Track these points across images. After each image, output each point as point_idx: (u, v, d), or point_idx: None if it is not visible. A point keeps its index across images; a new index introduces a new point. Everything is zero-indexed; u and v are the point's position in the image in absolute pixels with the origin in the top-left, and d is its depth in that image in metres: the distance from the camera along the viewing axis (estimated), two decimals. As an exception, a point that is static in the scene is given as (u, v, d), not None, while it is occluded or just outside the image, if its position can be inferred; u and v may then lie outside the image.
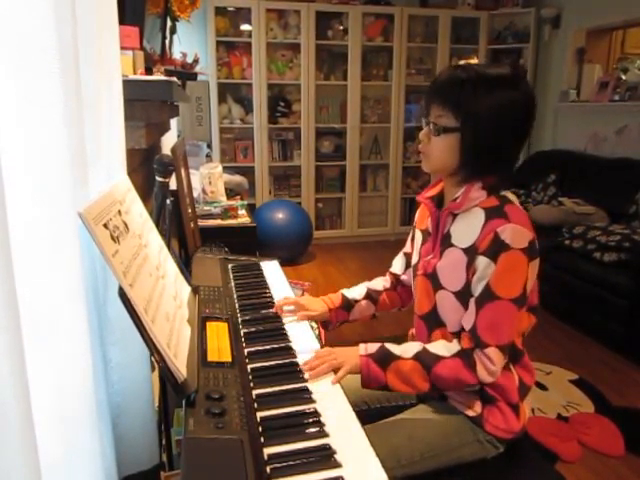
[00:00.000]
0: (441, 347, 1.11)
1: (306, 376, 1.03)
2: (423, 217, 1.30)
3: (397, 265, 1.45)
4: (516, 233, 1.05)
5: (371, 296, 1.41)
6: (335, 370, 1.07)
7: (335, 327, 1.43)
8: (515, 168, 1.19)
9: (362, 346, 1.13)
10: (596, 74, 4.33)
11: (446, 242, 1.16)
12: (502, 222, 1.06)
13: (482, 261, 1.07)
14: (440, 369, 1.08)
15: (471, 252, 1.09)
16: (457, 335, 1.15)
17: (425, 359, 1.09)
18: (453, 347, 1.10)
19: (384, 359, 1.10)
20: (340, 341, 1.10)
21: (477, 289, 1.09)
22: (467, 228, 1.12)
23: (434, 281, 1.18)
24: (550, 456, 1.98)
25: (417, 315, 1.26)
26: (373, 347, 1.12)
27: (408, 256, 1.39)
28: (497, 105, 1.06)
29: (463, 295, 1.12)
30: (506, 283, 1.06)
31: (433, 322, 1.20)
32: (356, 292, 1.42)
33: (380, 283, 1.45)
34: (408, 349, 1.12)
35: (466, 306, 1.12)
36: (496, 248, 1.05)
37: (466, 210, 1.13)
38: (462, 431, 1.16)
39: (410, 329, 1.36)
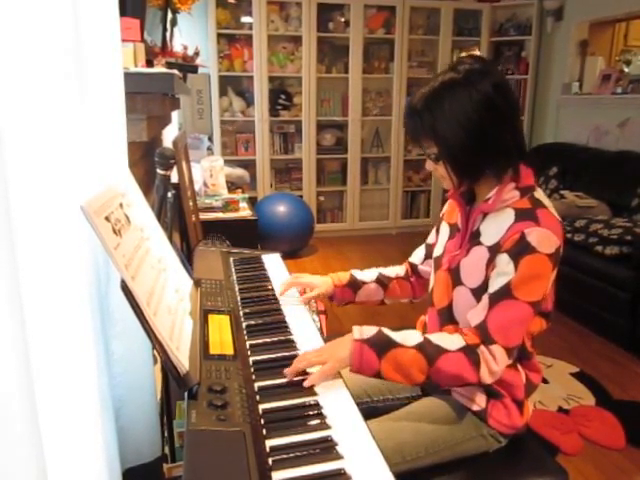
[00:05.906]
0: (444, 339, 1.05)
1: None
2: (452, 211, 1.28)
3: (417, 255, 1.44)
4: (544, 237, 1.02)
5: (381, 281, 1.41)
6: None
7: (340, 304, 1.42)
8: (526, 155, 1.16)
9: (356, 330, 1.05)
10: (599, 67, 4.31)
11: (474, 240, 1.14)
12: (531, 224, 1.03)
13: (503, 258, 1.05)
14: (442, 363, 1.02)
15: (494, 250, 1.08)
16: None
17: (428, 350, 1.02)
18: (457, 340, 1.05)
19: (382, 345, 1.02)
20: (342, 334, 1.08)
21: (494, 285, 1.06)
22: (496, 227, 1.10)
23: (455, 277, 1.16)
24: (551, 449, 2.00)
25: (435, 308, 1.24)
26: (370, 331, 1.04)
27: (430, 247, 1.38)
28: (451, 115, 1.04)
29: (479, 292, 1.10)
30: (528, 287, 1.03)
31: (446, 318, 1.20)
32: (366, 275, 1.42)
33: (393, 270, 1.44)
34: (408, 337, 1.05)
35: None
36: (520, 249, 1.03)
37: (497, 210, 1.11)
38: (466, 426, 1.16)
39: (421, 317, 1.35)
